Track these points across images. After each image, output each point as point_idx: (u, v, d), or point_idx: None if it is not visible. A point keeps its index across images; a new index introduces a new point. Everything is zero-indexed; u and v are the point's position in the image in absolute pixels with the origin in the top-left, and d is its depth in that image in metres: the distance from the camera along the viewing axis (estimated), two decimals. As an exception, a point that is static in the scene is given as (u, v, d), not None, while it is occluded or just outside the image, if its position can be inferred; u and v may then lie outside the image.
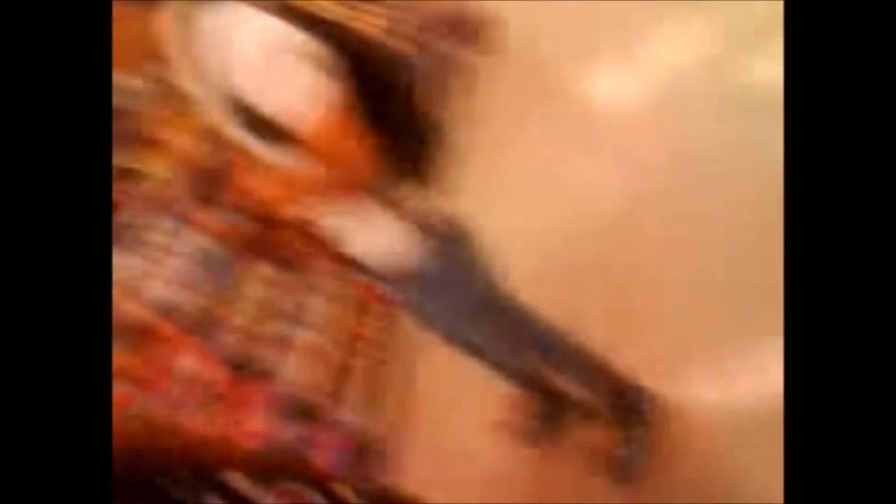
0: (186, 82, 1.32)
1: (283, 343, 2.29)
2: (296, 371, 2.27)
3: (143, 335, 1.96)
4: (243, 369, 2.13)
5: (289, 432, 2.13)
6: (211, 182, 2.23)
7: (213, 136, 1.46)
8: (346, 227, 1.51)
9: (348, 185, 1.34)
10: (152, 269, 2.08)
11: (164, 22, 1.25)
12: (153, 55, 1.27)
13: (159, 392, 1.91)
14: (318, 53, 1.24)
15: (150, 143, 2.24)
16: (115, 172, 2.07)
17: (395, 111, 1.40)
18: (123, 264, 2.03)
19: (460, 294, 1.62)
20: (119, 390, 1.81)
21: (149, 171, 2.21)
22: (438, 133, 1.51)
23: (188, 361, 2.02)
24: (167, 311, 2.05)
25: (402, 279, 1.55)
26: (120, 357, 1.87)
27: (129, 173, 2.18)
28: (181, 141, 2.25)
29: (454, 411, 2.34)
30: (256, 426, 2.06)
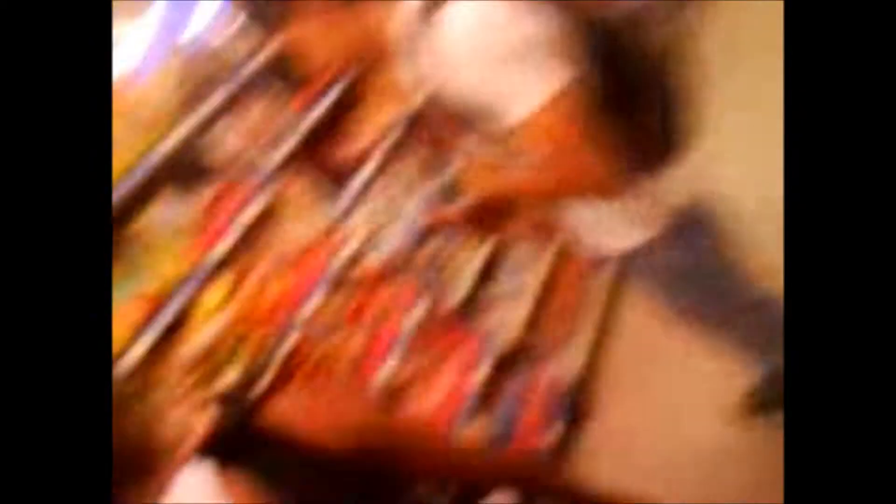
0: (409, 75, 1.30)
1: (493, 297, 2.47)
2: (500, 324, 2.41)
3: (371, 287, 2.18)
4: (455, 321, 2.32)
5: (493, 378, 2.29)
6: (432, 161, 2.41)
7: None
8: (579, 217, 1.48)
9: (575, 182, 1.27)
10: (376, 228, 2.30)
11: (401, 15, 1.25)
12: (378, 45, 1.28)
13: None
14: (551, 37, 1.18)
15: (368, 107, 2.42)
16: (338, 135, 2.32)
17: (632, 84, 1.32)
18: (352, 222, 2.25)
19: (698, 279, 1.56)
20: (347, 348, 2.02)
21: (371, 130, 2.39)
22: (677, 101, 1.41)
23: (413, 312, 2.22)
24: (389, 264, 2.26)
25: (638, 265, 1.53)
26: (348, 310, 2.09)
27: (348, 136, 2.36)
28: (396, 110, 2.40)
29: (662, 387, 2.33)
30: (471, 377, 2.23)
